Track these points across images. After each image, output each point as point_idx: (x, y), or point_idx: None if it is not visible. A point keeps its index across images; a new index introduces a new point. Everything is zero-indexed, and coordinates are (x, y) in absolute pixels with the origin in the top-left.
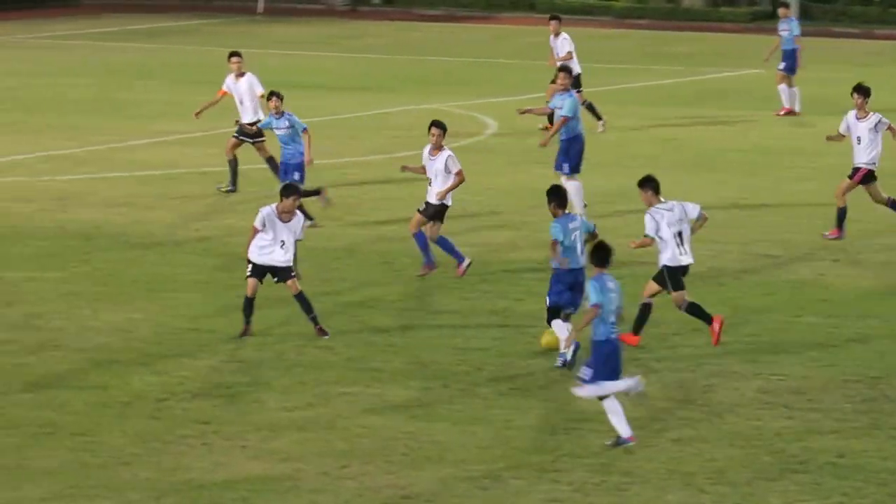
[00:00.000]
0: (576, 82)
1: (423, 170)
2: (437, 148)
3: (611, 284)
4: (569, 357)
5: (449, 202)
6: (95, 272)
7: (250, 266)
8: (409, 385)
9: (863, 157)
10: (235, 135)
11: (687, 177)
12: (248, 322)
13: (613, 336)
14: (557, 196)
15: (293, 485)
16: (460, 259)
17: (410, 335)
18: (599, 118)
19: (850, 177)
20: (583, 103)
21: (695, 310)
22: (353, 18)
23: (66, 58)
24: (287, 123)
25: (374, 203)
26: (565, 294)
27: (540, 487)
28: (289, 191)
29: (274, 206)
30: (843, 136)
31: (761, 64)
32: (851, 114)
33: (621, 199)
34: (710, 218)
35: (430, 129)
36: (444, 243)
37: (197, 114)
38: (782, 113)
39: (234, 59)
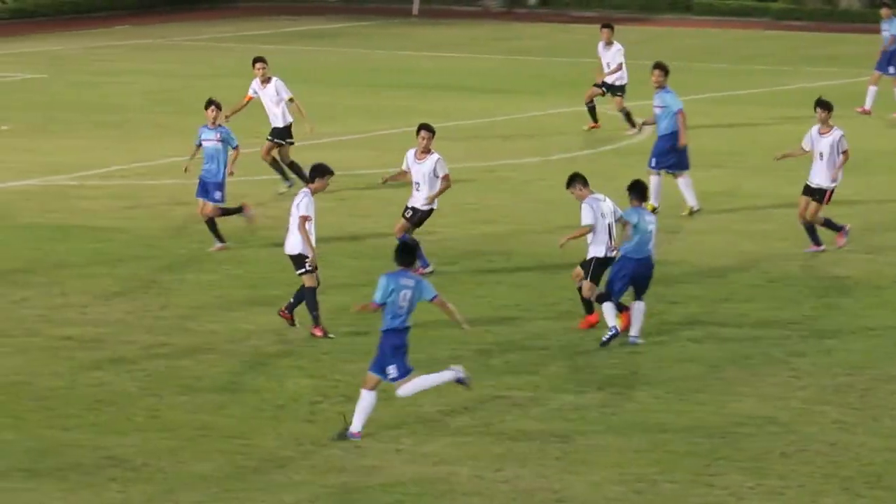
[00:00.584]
0: (619, 90)
1: (403, 175)
2: (426, 151)
3: (404, 281)
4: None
5: (435, 206)
6: (249, 275)
7: (310, 257)
8: (564, 389)
9: (824, 176)
10: (269, 137)
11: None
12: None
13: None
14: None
15: (448, 488)
16: (424, 264)
17: (566, 339)
18: (633, 125)
19: (816, 199)
20: (621, 111)
21: (589, 304)
22: (507, 20)
23: (222, 59)
24: (218, 136)
25: (530, 205)
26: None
27: (694, 492)
28: (321, 171)
29: (306, 190)
30: (806, 151)
31: None
32: (814, 129)
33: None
34: (868, 219)
35: (418, 131)
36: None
37: (227, 117)
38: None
39: (258, 64)
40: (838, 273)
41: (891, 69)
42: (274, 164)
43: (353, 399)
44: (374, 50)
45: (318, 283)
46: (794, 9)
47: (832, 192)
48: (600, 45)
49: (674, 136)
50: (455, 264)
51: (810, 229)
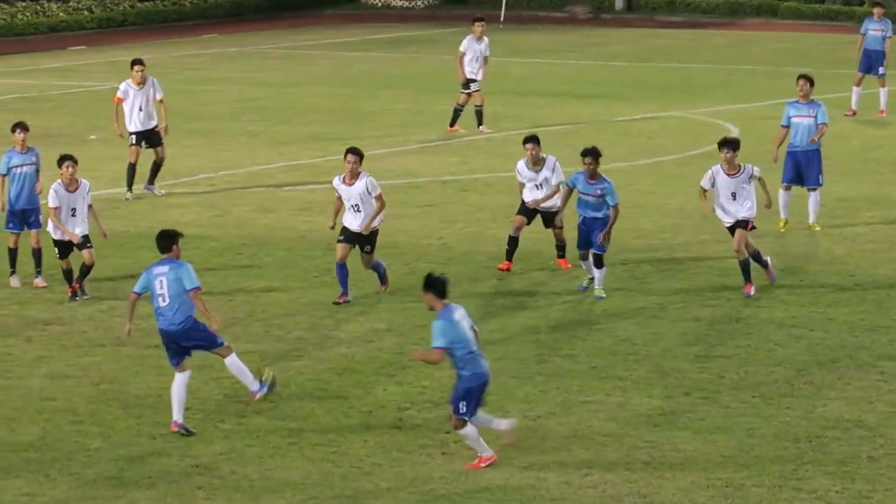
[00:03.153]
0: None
1: (339, 202)
2: (354, 175)
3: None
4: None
5: (377, 224)
6: (337, 281)
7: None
8: (651, 393)
9: (742, 210)
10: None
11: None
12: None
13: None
14: None
15: (535, 494)
16: (344, 290)
17: (653, 344)
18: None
19: (738, 228)
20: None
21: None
22: (594, 26)
23: (308, 68)
24: (34, 160)
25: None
26: None
27: (781, 496)
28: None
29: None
30: (706, 191)
31: None
32: (717, 169)
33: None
34: None
35: (346, 155)
36: (342, 271)
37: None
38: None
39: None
40: None
41: (880, 69)
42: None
43: (440, 405)
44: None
45: None
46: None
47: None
48: None
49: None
50: (544, 268)
51: (750, 263)
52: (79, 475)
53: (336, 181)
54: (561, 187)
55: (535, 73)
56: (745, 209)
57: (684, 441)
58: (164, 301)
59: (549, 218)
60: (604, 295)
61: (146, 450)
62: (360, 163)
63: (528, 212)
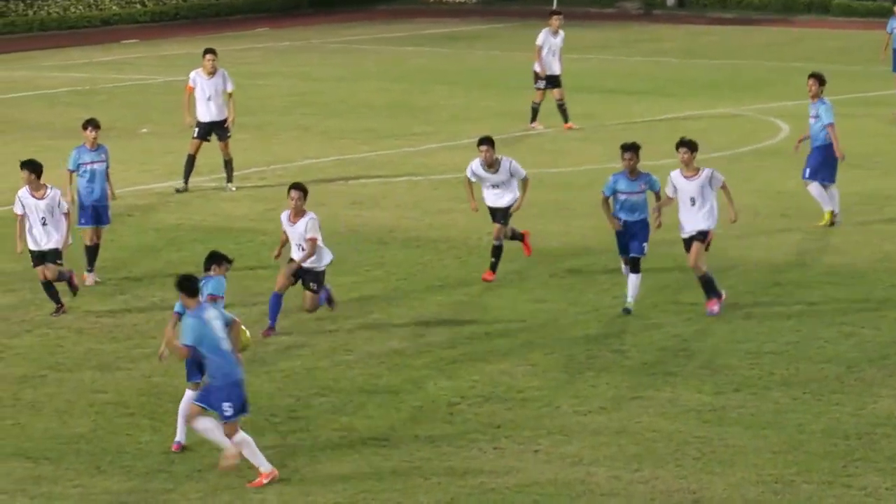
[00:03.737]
0: None
1: (285, 236)
2: (299, 213)
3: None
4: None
5: (323, 265)
6: (389, 276)
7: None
8: (701, 389)
9: (700, 220)
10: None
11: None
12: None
13: None
14: None
15: (585, 489)
16: (272, 323)
17: (703, 339)
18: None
19: (694, 241)
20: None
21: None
22: (646, 22)
23: (360, 62)
24: (103, 157)
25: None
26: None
27: (831, 493)
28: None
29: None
30: (671, 199)
31: None
32: (676, 173)
33: None
34: None
35: (289, 192)
36: (275, 302)
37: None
38: None
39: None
40: None
41: None
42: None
43: (490, 400)
44: (512, 52)
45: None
46: None
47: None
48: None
49: (826, 148)
50: (594, 264)
51: (712, 278)
52: (130, 468)
53: (283, 217)
54: (603, 198)
55: (585, 70)
56: (703, 219)
57: (734, 437)
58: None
59: (503, 214)
60: (631, 308)
61: (196, 442)
62: (305, 199)
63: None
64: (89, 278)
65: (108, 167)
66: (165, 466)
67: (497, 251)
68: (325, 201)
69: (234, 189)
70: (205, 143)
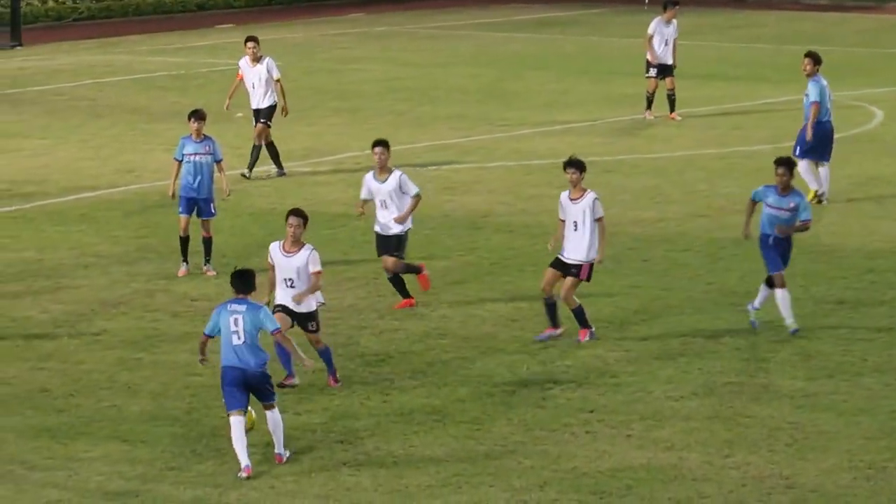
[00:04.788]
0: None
1: (273, 274)
2: (297, 243)
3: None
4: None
5: (316, 304)
6: (481, 261)
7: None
8: (794, 375)
9: (579, 249)
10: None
11: None
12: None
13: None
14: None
15: (677, 473)
16: (289, 370)
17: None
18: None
19: (572, 274)
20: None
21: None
22: (738, 8)
23: (453, 48)
24: (208, 148)
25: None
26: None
27: None
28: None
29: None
30: (563, 220)
31: None
32: (563, 195)
33: None
34: None
35: (287, 218)
36: (326, 353)
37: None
38: None
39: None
40: None
41: None
42: (270, 147)
43: (583, 385)
44: (606, 37)
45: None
46: None
47: (591, 266)
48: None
49: (819, 125)
50: (688, 250)
51: (553, 307)
52: (224, 451)
53: (273, 248)
54: (749, 200)
55: (679, 55)
56: (581, 249)
57: (827, 422)
58: (238, 339)
59: (388, 246)
60: (797, 327)
61: (291, 425)
62: (305, 227)
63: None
64: (209, 271)
65: (216, 160)
66: (260, 449)
67: (396, 282)
68: (419, 186)
69: (249, 176)
70: (267, 129)
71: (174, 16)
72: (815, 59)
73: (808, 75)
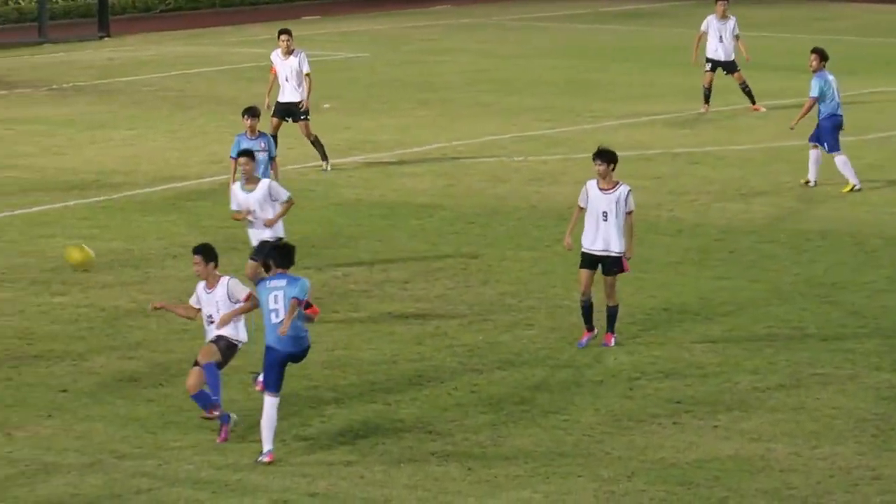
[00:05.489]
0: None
1: (193, 311)
2: (214, 280)
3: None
4: None
5: (242, 339)
6: (569, 252)
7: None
8: (880, 366)
9: (615, 242)
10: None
11: None
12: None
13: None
14: None
15: (764, 465)
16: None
17: (883, 317)
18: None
19: (610, 273)
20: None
21: None
22: (822, 1)
23: (540, 39)
24: (263, 145)
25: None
26: None
27: None
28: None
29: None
30: (583, 208)
31: None
32: (591, 184)
33: None
34: None
35: (194, 254)
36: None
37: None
38: None
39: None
40: None
41: None
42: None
43: (671, 375)
44: (692, 29)
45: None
46: None
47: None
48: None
49: (831, 118)
50: (773, 242)
51: (590, 309)
52: (314, 439)
53: (199, 287)
54: None
55: (763, 47)
56: (613, 240)
57: None
58: (277, 317)
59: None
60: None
61: (380, 416)
62: (209, 264)
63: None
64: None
65: (271, 156)
66: (349, 440)
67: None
68: (506, 177)
69: (328, 169)
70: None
71: (261, 7)
72: (821, 55)
73: (814, 71)
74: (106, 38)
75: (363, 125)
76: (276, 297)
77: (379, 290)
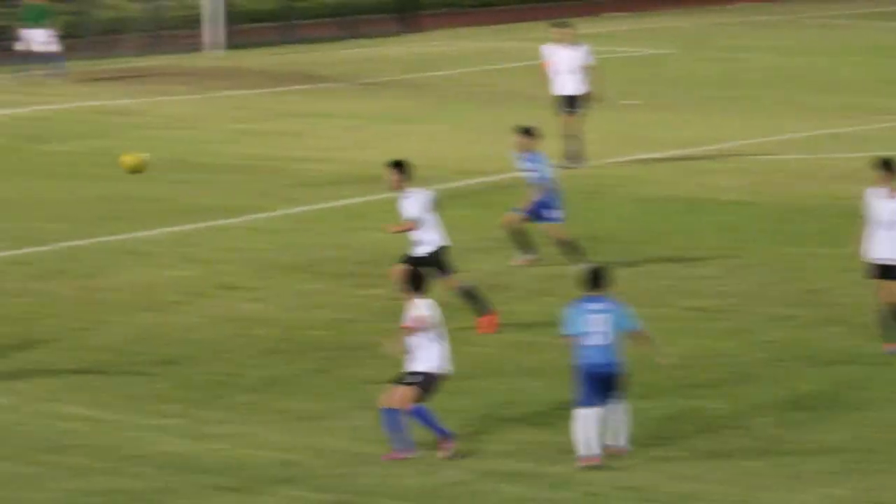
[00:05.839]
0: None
1: None
2: None
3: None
4: None
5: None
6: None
7: None
8: None
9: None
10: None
11: None
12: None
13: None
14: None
15: None
16: None
17: None
18: None
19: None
20: None
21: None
22: None
23: (842, 37)
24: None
25: None
26: None
27: None
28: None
29: None
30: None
31: None
32: (873, 192)
33: None
34: None
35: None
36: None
37: None
38: None
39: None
40: None
41: None
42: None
43: None
44: None
45: None
46: None
47: None
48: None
49: None
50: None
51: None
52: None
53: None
54: None
55: None
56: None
57: None
58: (604, 339)
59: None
60: None
61: (687, 411)
62: None
63: None
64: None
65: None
66: (658, 435)
67: None
68: (813, 174)
69: (580, 165)
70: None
71: (566, 3)
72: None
73: None
74: (412, 34)
75: (671, 122)
76: (604, 319)
77: (685, 286)
